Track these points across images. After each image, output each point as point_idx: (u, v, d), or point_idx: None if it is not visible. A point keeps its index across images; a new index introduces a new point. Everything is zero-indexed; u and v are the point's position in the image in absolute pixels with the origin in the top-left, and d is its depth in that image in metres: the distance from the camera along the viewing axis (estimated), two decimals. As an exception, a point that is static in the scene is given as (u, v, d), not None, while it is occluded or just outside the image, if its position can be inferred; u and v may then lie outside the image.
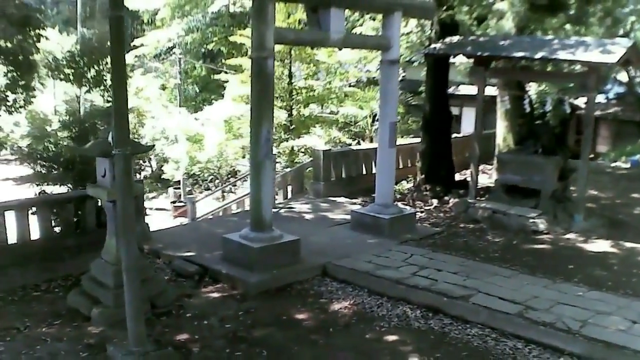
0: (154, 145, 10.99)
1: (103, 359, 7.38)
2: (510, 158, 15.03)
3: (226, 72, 26.39)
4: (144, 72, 33.07)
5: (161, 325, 8.24)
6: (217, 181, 26.58)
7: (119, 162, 6.94)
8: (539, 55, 13.10)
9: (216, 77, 28.30)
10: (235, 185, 24.29)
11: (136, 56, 32.89)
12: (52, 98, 24.39)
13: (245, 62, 23.04)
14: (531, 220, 13.18)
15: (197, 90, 35.41)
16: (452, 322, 8.65)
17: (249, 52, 23.30)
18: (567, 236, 12.79)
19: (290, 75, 22.58)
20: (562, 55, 12.87)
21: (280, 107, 22.12)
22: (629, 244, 12.36)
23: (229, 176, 25.79)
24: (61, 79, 12.94)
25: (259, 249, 10.17)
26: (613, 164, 23.81)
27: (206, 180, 27.62)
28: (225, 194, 23.71)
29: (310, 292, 9.80)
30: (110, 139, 7.88)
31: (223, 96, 27.27)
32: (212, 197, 22.75)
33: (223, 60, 29.37)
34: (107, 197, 8.59)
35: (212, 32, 33.80)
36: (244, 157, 23.71)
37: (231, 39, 26.34)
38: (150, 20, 36.77)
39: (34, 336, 7.99)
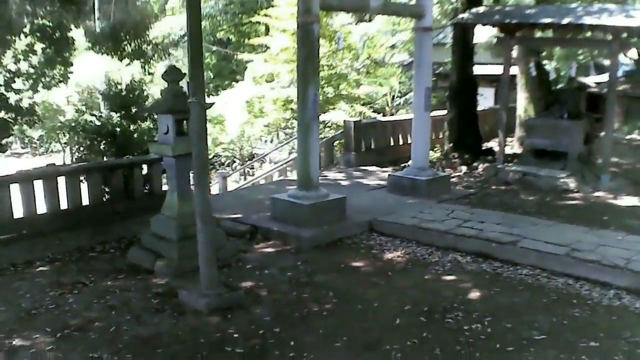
0: (214, 102, 11.31)
1: (175, 304, 7.70)
2: (538, 123, 15.39)
3: (249, 52, 26.51)
4: (157, 60, 33.24)
5: (224, 275, 8.52)
6: (234, 165, 26.79)
7: (195, 109, 7.32)
8: (565, 21, 13.40)
9: (239, 57, 28.39)
10: (253, 168, 24.58)
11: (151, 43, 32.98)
12: (65, 88, 24.57)
13: (269, 41, 23.26)
14: (561, 180, 13.55)
15: (211, 76, 35.61)
16: (503, 265, 9.05)
17: (270, 32, 23.80)
18: (596, 194, 13.15)
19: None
20: (587, 20, 13.18)
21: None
22: (655, 200, 12.74)
23: (248, 159, 26.04)
24: (102, 53, 13.24)
25: (309, 206, 10.53)
26: (628, 136, 24.06)
27: (223, 164, 27.84)
28: (245, 174, 23.99)
29: (361, 245, 10.15)
30: (185, 89, 8.20)
31: (237, 81, 27.48)
32: (235, 175, 23.00)
33: (247, 40, 29.47)
34: (171, 153, 8.95)
35: (224, 19, 33.92)
36: (269, 133, 23.96)
37: (254, 19, 26.39)
38: (161, 10, 36.91)
39: (101, 289, 8.30)
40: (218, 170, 26.49)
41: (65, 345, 6.63)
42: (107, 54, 13.23)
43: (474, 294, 7.99)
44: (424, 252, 9.73)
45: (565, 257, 8.85)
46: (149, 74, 17.21)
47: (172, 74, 9.18)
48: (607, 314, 7.36)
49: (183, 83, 8.59)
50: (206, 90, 31.90)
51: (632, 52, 28.53)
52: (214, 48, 35.39)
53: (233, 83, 27.95)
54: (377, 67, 24.62)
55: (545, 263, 8.84)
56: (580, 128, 14.46)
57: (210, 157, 26.76)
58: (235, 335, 6.80)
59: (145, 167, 11.84)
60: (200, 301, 7.53)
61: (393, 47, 25.47)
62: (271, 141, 26.71)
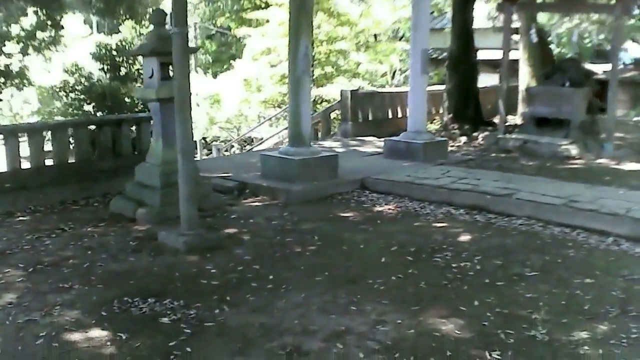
0: (200, 47, 10.91)
1: (154, 246, 7.47)
2: (539, 91, 15.06)
3: (248, 27, 26.24)
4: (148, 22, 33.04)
5: (207, 224, 8.23)
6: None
7: (177, 40, 7.09)
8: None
9: (237, 32, 28.08)
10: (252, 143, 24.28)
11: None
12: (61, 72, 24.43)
13: (267, 14, 22.99)
14: (563, 147, 13.20)
15: (211, 61, 35.39)
16: (497, 216, 8.72)
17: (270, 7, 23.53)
18: (599, 161, 12.79)
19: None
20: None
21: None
22: (660, 166, 12.41)
23: (246, 143, 25.74)
24: (93, 13, 12.98)
25: (300, 161, 10.22)
26: (635, 118, 23.85)
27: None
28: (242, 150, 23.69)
29: (352, 201, 9.84)
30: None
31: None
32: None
33: (243, 15, 29.22)
34: (155, 96, 8.68)
35: (224, 5, 33.68)
36: (265, 109, 23.70)
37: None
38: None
39: (80, 234, 8.08)
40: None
41: (36, 277, 6.44)
42: (99, 15, 12.94)
43: (465, 237, 7.72)
44: (416, 206, 9.41)
45: (562, 207, 8.54)
46: (140, 35, 16.93)
47: (157, 15, 8.93)
48: (604, 256, 7.06)
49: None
50: (205, 75, 31.93)
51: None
52: (214, 31, 35.17)
53: (231, 62, 27.62)
54: (377, 44, 24.34)
55: (541, 213, 8.51)
56: (582, 96, 14.12)
57: (208, 137, 26.51)
58: (213, 271, 6.56)
59: (134, 126, 11.54)
60: (179, 240, 7.31)
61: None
62: (270, 125, 26.37)
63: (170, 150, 8.70)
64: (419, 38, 12.58)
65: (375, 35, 25.26)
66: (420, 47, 12.49)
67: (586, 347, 4.81)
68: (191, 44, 32.66)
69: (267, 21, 23.10)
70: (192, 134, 7.69)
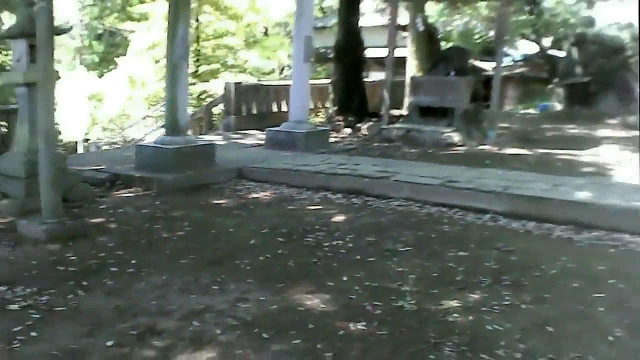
0: (72, 27, 10.35)
1: (14, 237, 6.85)
2: (423, 80, 15.13)
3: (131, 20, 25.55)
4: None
5: (73, 214, 7.72)
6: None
7: (43, 16, 6.59)
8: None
9: (119, 28, 27.40)
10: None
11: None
12: None
13: (153, 8, 22.43)
14: (446, 134, 13.22)
15: (97, 60, 34.48)
16: (375, 199, 8.52)
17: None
18: (481, 147, 12.86)
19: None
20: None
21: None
22: (541, 150, 12.66)
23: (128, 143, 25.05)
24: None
25: (175, 150, 9.79)
26: (522, 111, 24.43)
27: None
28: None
29: (227, 189, 9.45)
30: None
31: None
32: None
33: (129, 10, 28.47)
34: (23, 80, 8.11)
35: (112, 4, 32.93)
36: (148, 108, 23.09)
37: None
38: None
39: None
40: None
41: None
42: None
43: (339, 218, 7.48)
44: (293, 192, 9.09)
45: (440, 187, 8.40)
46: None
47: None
48: (480, 231, 6.95)
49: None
50: (88, 73, 30.98)
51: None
52: (101, 30, 34.33)
53: (115, 59, 26.89)
54: (264, 39, 24.10)
55: (419, 194, 8.34)
56: (465, 83, 14.19)
57: (91, 139, 25.64)
58: (73, 258, 6.05)
59: (3, 120, 10.90)
60: (40, 228, 6.73)
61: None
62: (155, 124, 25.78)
63: (37, 139, 8.15)
64: (303, 25, 12.39)
65: (266, 31, 24.99)
66: (303, 34, 12.29)
67: (456, 315, 4.61)
68: (75, 42, 31.85)
69: (150, 16, 22.55)
70: (54, 118, 7.16)
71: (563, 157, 11.94)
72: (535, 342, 4.18)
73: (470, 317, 4.57)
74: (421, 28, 18.30)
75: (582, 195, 7.88)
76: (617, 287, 5.23)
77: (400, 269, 5.58)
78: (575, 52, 23.12)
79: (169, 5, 10.21)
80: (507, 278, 5.39)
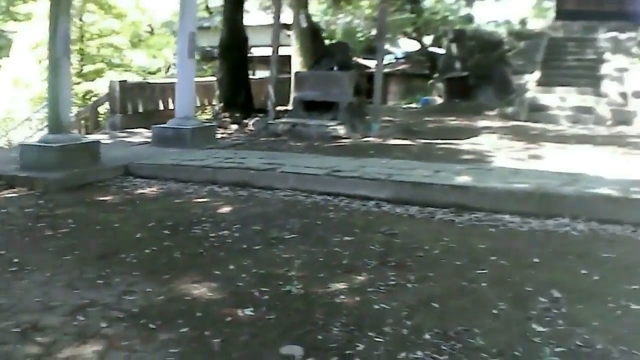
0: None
1: None
2: (307, 75, 15.25)
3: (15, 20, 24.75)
4: None
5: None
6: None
7: None
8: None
9: (3, 29, 26.43)
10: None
11: None
12: None
13: (36, 8, 21.79)
14: (331, 128, 13.40)
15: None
16: (261, 190, 8.60)
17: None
18: (366, 139, 13.09)
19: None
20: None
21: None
22: (423, 141, 13.00)
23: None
24: None
25: (58, 149, 9.58)
26: (405, 105, 24.93)
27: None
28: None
29: (113, 186, 9.30)
30: None
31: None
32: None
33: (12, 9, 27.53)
34: None
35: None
36: (33, 109, 22.43)
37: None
38: None
39: None
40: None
41: None
42: None
43: (225, 209, 7.52)
44: (180, 187, 9.04)
45: (325, 176, 8.53)
46: None
47: None
48: (364, 216, 7.13)
49: None
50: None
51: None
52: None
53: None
54: (149, 38, 23.78)
55: (305, 184, 8.47)
56: (349, 77, 14.41)
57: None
58: (-61, 261, 5.86)
59: None
60: None
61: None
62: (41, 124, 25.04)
63: None
64: (187, 21, 12.32)
65: (151, 30, 24.64)
66: (187, 29, 12.20)
67: (343, 297, 4.70)
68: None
69: (33, 15, 21.93)
70: None
71: (444, 146, 12.28)
72: (421, 319, 4.31)
73: (357, 298, 4.67)
74: (304, 24, 18.42)
75: (463, 179, 8.17)
76: (498, 264, 5.46)
77: (286, 256, 5.66)
78: (454, 48, 23.74)
79: (50, 2, 10.01)
80: (392, 259, 5.54)
